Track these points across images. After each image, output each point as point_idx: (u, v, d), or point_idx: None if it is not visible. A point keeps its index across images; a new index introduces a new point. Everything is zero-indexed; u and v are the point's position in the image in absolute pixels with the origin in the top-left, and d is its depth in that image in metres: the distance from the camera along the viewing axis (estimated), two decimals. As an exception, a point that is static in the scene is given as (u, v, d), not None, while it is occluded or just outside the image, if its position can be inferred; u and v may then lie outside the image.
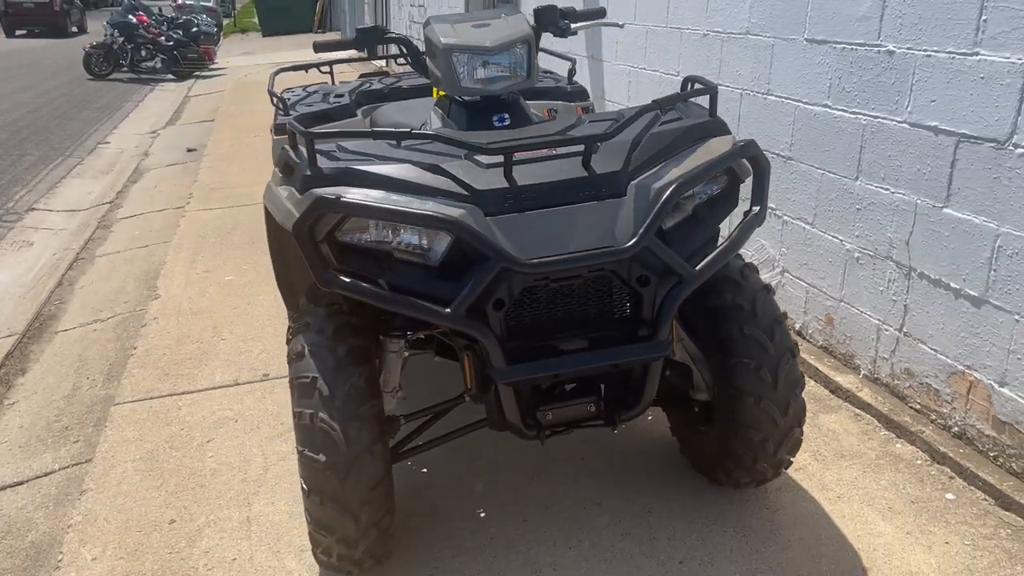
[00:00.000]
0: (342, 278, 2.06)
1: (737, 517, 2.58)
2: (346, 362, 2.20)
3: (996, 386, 2.74)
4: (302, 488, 2.17)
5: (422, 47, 2.65)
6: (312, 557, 2.39)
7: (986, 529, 2.50)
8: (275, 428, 3.27)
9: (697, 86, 2.34)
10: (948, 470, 2.77)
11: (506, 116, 2.50)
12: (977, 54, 2.71)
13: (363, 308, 2.47)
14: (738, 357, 2.37)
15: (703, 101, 2.45)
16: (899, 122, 3.05)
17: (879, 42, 3.11)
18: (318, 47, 2.77)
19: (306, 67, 3.83)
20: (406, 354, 2.48)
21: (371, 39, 2.65)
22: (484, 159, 2.14)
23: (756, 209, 2.26)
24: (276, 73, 3.67)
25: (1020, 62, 2.56)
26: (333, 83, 3.90)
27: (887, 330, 3.20)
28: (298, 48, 20.03)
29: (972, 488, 2.68)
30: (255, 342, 4.06)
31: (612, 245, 2.06)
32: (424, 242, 2.07)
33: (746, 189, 2.26)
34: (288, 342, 2.34)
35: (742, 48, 3.97)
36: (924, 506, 2.61)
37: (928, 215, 2.96)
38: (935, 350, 2.98)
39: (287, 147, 2.34)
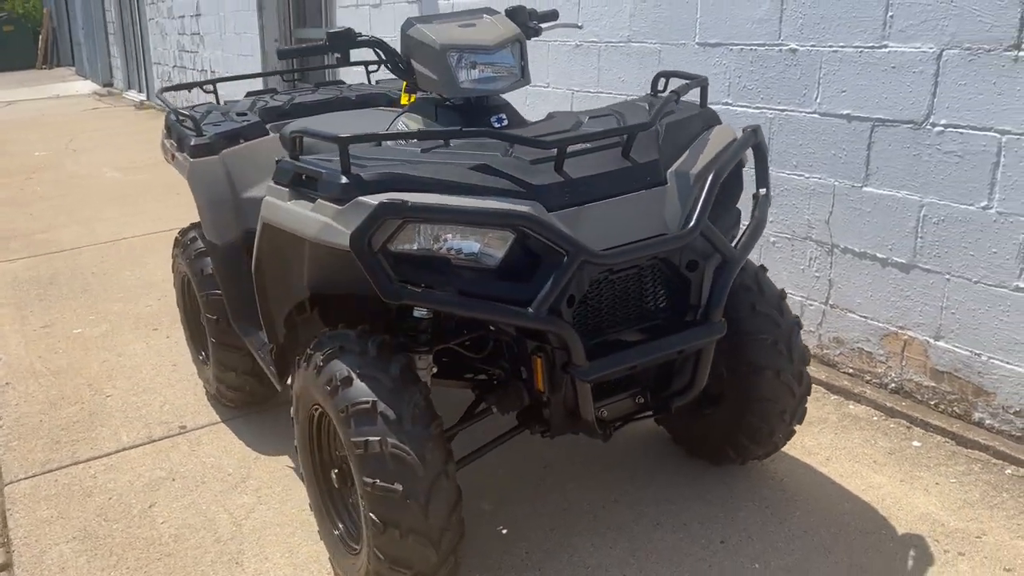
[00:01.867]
0: (412, 288, 1.92)
1: (751, 492, 2.68)
2: (402, 381, 2.05)
3: (932, 341, 3.05)
4: (373, 524, 1.98)
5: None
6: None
7: (960, 467, 2.77)
8: (224, 481, 2.95)
9: (679, 84, 2.39)
10: (903, 422, 3.04)
11: (504, 117, 2.45)
12: (886, 47, 3.02)
13: (387, 326, 2.32)
14: (753, 334, 2.47)
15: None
16: (809, 113, 3.32)
17: (780, 41, 3.38)
18: (283, 54, 2.56)
19: (189, 86, 3.52)
20: (434, 370, 2.35)
21: (343, 43, 2.49)
22: (526, 155, 2.09)
23: (763, 191, 2.38)
24: (163, 91, 3.34)
25: (931, 51, 2.89)
26: (218, 102, 3.62)
27: (812, 304, 3.46)
28: (21, 86, 18.27)
29: (930, 434, 2.97)
30: (150, 395, 3.64)
31: (665, 232, 2.09)
32: (484, 244, 1.98)
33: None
34: (308, 372, 2.13)
35: (624, 56, 4.14)
36: (900, 456, 2.85)
37: (848, 195, 3.24)
38: (865, 317, 3.27)
39: (288, 159, 2.15)
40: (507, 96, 2.56)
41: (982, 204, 2.83)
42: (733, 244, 2.24)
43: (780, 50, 3.38)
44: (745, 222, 2.35)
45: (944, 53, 2.86)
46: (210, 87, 3.59)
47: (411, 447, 1.96)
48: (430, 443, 2.00)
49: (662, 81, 2.62)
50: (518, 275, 1.99)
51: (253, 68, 9.29)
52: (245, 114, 3.35)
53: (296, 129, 2.19)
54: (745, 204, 2.38)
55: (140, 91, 15.71)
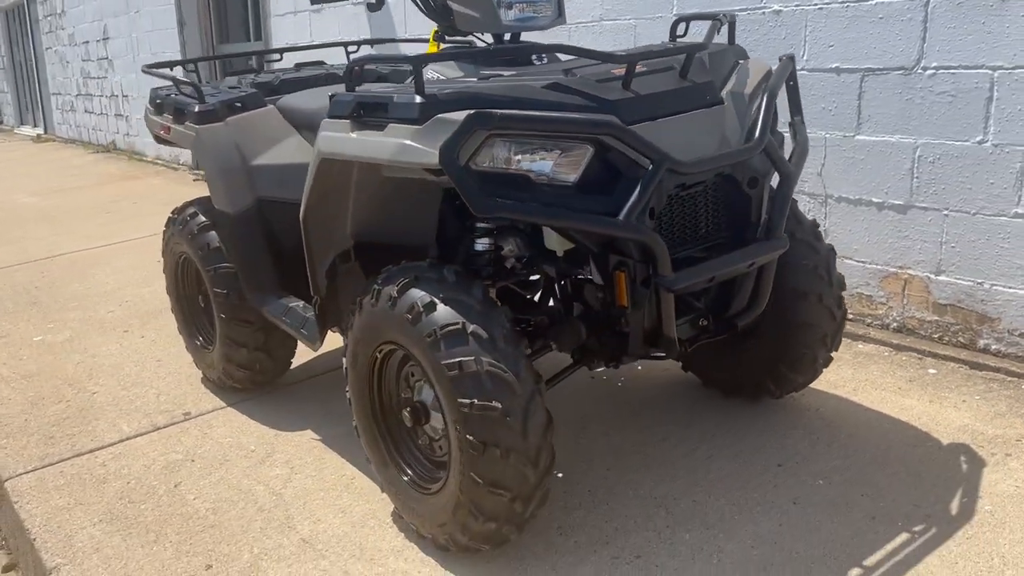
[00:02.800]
0: (503, 201, 1.90)
1: (793, 423, 2.73)
2: (486, 304, 2.02)
3: (933, 276, 3.20)
4: (469, 447, 1.92)
5: None
6: (412, 549, 2.13)
7: (980, 386, 2.90)
8: (249, 458, 2.83)
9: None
10: (913, 354, 3.17)
11: (544, 56, 2.47)
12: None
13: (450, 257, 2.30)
14: (794, 261, 2.53)
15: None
16: (797, 70, 3.45)
17: (763, 5, 3.51)
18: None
19: (172, 64, 3.41)
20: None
21: (378, -13, 2.46)
22: (591, 75, 2.11)
23: (798, 117, 2.45)
24: (151, 67, 3.22)
25: (918, -1, 3.06)
26: (199, 81, 3.51)
27: (808, 256, 3.57)
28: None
29: (942, 362, 3.10)
30: (141, 388, 3.46)
31: (727, 149, 2.14)
32: (555, 164, 1.98)
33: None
34: (377, 308, 2.08)
35: (595, 34, 4.22)
36: (921, 382, 2.96)
37: (840, 145, 3.38)
38: (863, 262, 3.40)
39: (346, 92, 2.11)
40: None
41: (977, 139, 2.99)
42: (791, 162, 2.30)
43: (763, 13, 3.51)
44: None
45: (931, 2, 3.02)
46: (192, 67, 3.49)
47: (507, 365, 1.93)
48: (523, 361, 1.97)
49: (682, 26, 2.68)
50: (596, 190, 1.99)
51: (174, 88, 9.01)
52: (237, 87, 3.27)
53: (359, 59, 2.15)
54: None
55: (35, 126, 15.05)
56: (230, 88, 3.24)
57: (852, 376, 3.01)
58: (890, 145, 3.22)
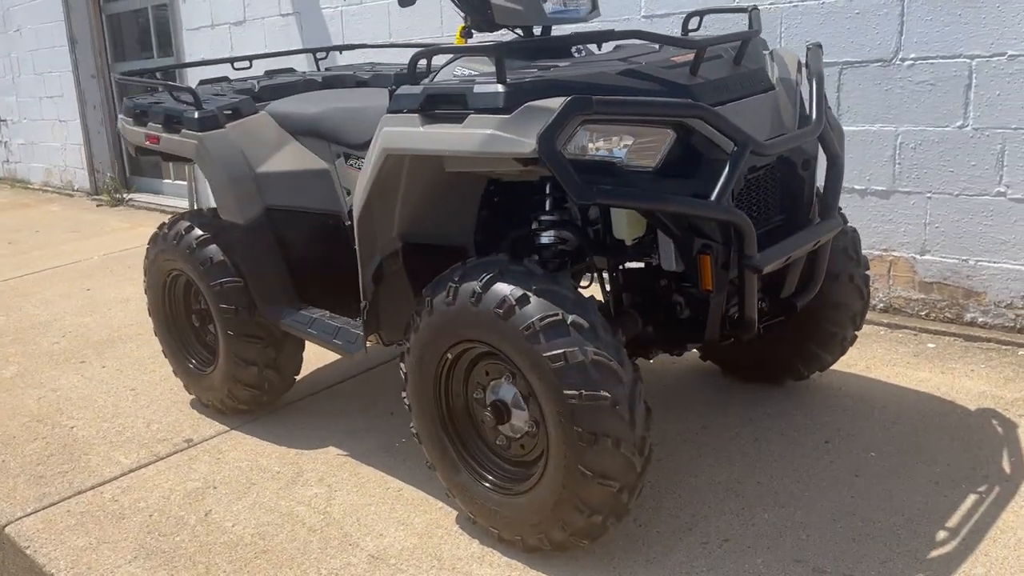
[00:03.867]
0: (602, 187, 1.88)
1: (823, 403, 2.81)
2: (578, 294, 1.99)
3: (918, 256, 3.36)
4: (579, 438, 1.88)
5: None
6: (493, 554, 2.08)
7: (980, 356, 3.07)
8: (276, 479, 2.69)
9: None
10: (908, 332, 3.32)
11: (582, 48, 2.47)
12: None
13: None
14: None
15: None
16: (773, 66, 3.57)
17: (736, 4, 3.62)
18: None
19: (154, 70, 3.23)
20: None
21: (414, -19, 2.40)
22: (659, 62, 2.12)
23: (826, 103, 2.54)
24: (123, 75, 3.04)
25: (892, -6, 3.23)
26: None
27: (792, 245, 3.69)
28: None
29: (936, 336, 3.26)
30: (125, 419, 3.24)
31: (789, 130, 2.19)
32: (631, 149, 1.98)
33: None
34: (456, 306, 2.02)
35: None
36: (925, 356, 3.11)
37: (821, 136, 3.51)
38: (847, 247, 3.53)
39: (407, 88, 2.06)
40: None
41: (958, 124, 3.17)
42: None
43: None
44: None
45: (907, -4, 3.20)
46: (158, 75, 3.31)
47: (610, 354, 1.91)
48: (622, 349, 1.95)
49: (694, 20, 2.73)
50: (675, 174, 2.00)
51: (64, 108, 8.54)
52: (223, 94, 3.12)
53: (423, 51, 2.09)
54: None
55: None
56: (216, 95, 3.09)
57: (859, 355, 3.13)
58: (871, 134, 3.37)
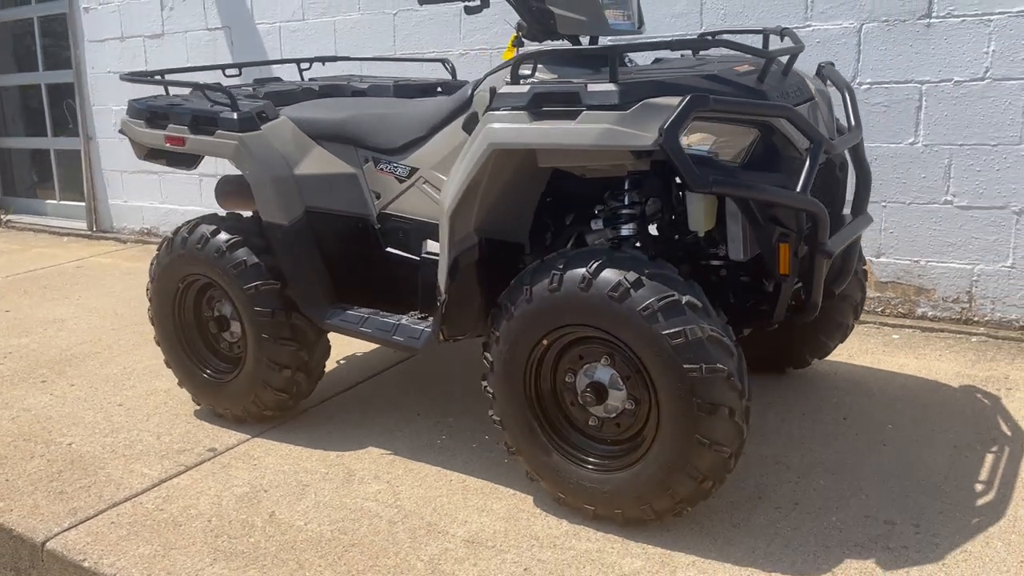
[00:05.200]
0: (720, 177, 2.07)
1: (825, 385, 3.11)
2: (684, 277, 2.16)
3: (874, 259, 3.76)
4: (701, 410, 2.04)
5: None
6: (586, 530, 2.22)
7: (941, 343, 3.46)
8: (330, 480, 2.68)
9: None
10: (871, 325, 3.69)
11: (632, 59, 2.67)
12: (810, 26, 3.72)
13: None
14: (836, 238, 2.91)
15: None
16: (739, 87, 3.91)
17: (702, 30, 3.95)
18: (425, 0, 2.52)
19: (157, 72, 3.16)
20: None
21: (483, -12, 2.52)
22: (726, 69, 2.35)
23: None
24: (126, 76, 2.98)
25: (852, 25, 3.63)
26: (167, 93, 3.28)
27: (756, 251, 4.02)
28: None
29: (897, 329, 3.64)
30: (128, 433, 3.11)
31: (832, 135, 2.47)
32: (713, 145, 2.19)
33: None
34: (565, 291, 2.15)
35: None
36: (895, 345, 3.48)
37: (784, 151, 3.86)
38: (808, 252, 3.90)
39: (517, 85, 2.19)
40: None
41: (910, 141, 3.60)
42: None
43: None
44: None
45: (864, 27, 3.61)
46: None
47: (722, 330, 2.09)
48: (728, 327, 2.13)
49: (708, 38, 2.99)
50: (757, 168, 2.22)
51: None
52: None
53: (528, 54, 2.22)
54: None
55: None
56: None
57: (837, 348, 3.45)
58: (831, 149, 3.74)
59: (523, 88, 2.18)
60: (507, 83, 2.30)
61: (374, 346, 3.78)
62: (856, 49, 3.63)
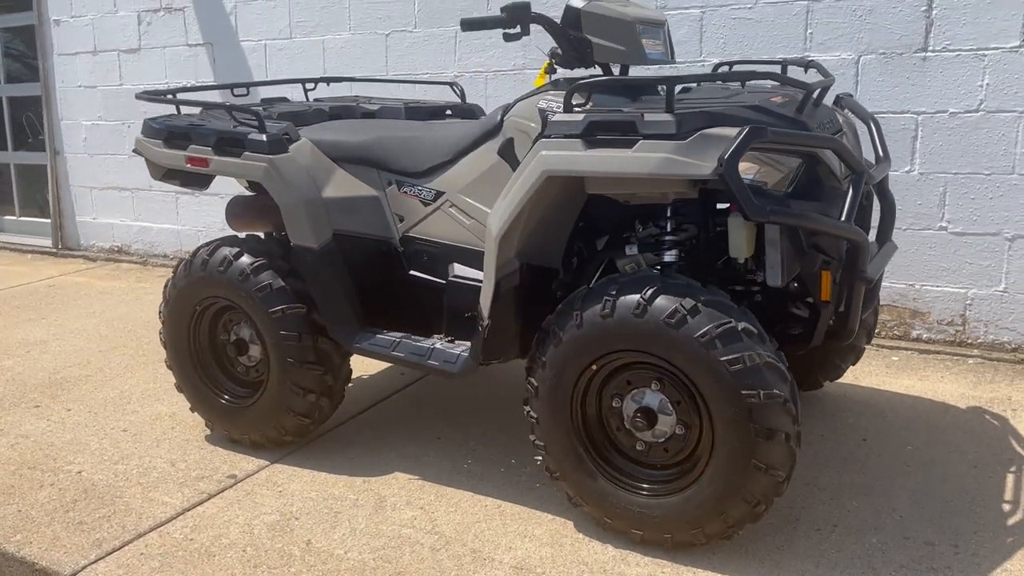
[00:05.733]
0: (775, 207, 2.11)
1: (837, 407, 3.18)
2: (738, 304, 2.20)
3: (870, 283, 3.86)
4: (759, 435, 2.07)
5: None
6: (634, 555, 2.24)
7: (941, 365, 3.57)
8: (361, 506, 2.65)
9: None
10: (869, 348, 3.79)
11: (659, 87, 2.71)
12: (808, 56, 3.83)
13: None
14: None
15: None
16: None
17: (702, 58, 4.03)
18: (467, 24, 2.53)
19: (173, 91, 3.12)
20: None
21: (523, 15, 2.54)
22: (764, 100, 2.41)
23: None
24: (142, 95, 2.94)
25: (850, 57, 3.75)
26: (178, 112, 3.23)
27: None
28: None
29: (895, 351, 3.75)
30: (139, 459, 3.03)
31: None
32: (756, 174, 2.25)
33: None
34: (618, 318, 2.18)
35: (517, 83, 4.49)
36: (896, 367, 3.57)
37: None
38: (805, 276, 3.99)
39: (568, 113, 2.21)
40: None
41: (906, 169, 3.72)
42: None
43: (703, 65, 4.02)
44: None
45: (861, 59, 3.73)
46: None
47: (776, 357, 2.13)
48: (780, 352, 2.18)
49: (723, 68, 3.07)
50: (800, 196, 2.28)
51: None
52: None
53: (584, 83, 2.25)
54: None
55: None
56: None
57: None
58: (829, 176, 3.85)
59: (577, 116, 2.21)
60: (551, 109, 2.34)
61: (380, 369, 3.75)
62: (854, 80, 3.75)
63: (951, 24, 3.55)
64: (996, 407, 3.14)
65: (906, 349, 3.75)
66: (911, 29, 3.62)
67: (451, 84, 3.74)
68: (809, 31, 3.81)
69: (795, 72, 2.97)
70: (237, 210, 3.17)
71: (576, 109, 2.28)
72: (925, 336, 3.80)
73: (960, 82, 3.57)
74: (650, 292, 2.17)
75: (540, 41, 4.12)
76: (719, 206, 2.54)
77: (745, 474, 2.12)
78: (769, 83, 2.68)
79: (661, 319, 2.14)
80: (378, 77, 4.06)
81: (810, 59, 2.84)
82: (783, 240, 2.32)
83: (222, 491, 2.78)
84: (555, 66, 2.72)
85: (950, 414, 3.09)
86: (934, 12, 3.57)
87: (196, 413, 3.14)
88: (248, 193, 3.19)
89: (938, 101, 3.62)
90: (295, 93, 3.89)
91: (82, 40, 6.19)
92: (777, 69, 2.94)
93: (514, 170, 2.60)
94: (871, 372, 3.52)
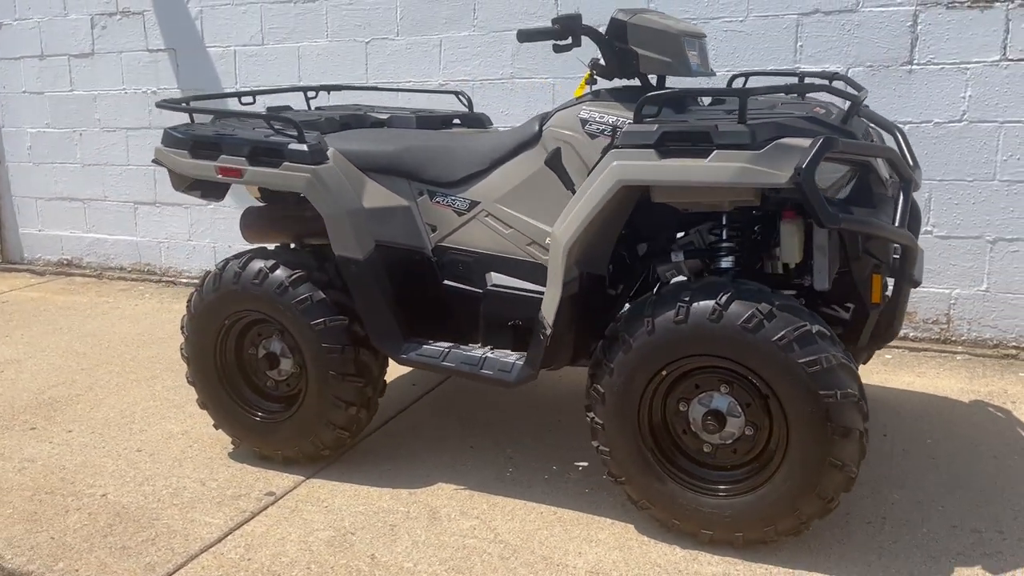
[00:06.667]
0: (846, 214, 2.20)
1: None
2: (808, 308, 2.29)
3: (859, 285, 4.03)
4: (836, 433, 2.15)
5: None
6: (704, 554, 2.31)
7: (933, 363, 3.76)
8: (415, 519, 2.63)
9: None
10: (861, 347, 3.95)
11: (700, 99, 2.80)
12: (799, 67, 3.98)
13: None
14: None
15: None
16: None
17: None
18: (523, 35, 2.55)
19: (184, 100, 3.03)
20: None
21: (575, 27, 2.57)
22: (809, 112, 2.51)
23: None
24: (161, 104, 2.87)
25: (839, 69, 3.92)
26: (192, 120, 3.15)
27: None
28: None
29: (889, 350, 3.92)
30: (165, 480, 2.94)
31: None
32: (839, 177, 2.35)
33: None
34: (692, 323, 2.24)
35: (507, 91, 4.53)
36: (893, 365, 3.74)
37: (773, 185, 4.11)
38: (796, 279, 4.14)
39: (641, 123, 2.27)
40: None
41: (893, 176, 3.90)
42: None
43: (704, 82, 4.13)
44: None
45: (850, 71, 3.90)
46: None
47: (848, 357, 2.22)
48: (849, 353, 2.27)
49: (739, 80, 3.18)
50: (854, 203, 2.39)
51: None
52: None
53: (655, 95, 2.30)
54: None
55: None
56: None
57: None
58: (819, 183, 4.01)
59: (650, 127, 2.26)
60: (592, 120, 2.42)
61: (390, 378, 3.71)
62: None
63: (935, 39, 3.75)
64: (996, 400, 3.33)
65: (897, 347, 3.93)
66: (897, 43, 3.80)
67: (457, 93, 3.75)
68: (799, 43, 3.96)
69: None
70: (252, 221, 3.11)
71: (647, 120, 2.32)
72: (912, 335, 3.99)
73: (944, 94, 3.77)
74: (725, 298, 2.24)
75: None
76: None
77: (820, 471, 2.20)
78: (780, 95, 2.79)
79: (738, 324, 2.20)
80: (382, 86, 4.03)
81: (835, 72, 2.97)
82: (830, 245, 2.42)
83: (264, 509, 2.71)
84: (596, 77, 2.77)
85: (956, 408, 3.26)
86: (919, 27, 3.76)
87: (221, 430, 3.05)
88: (260, 204, 3.13)
89: (923, 112, 3.81)
90: (278, 101, 3.81)
91: (27, 44, 5.92)
92: (795, 80, 3.05)
93: (561, 179, 2.63)
94: (870, 370, 3.68)
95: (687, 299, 2.27)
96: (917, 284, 2.47)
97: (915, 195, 3.56)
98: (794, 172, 2.12)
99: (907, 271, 2.45)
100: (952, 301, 3.91)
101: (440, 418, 3.34)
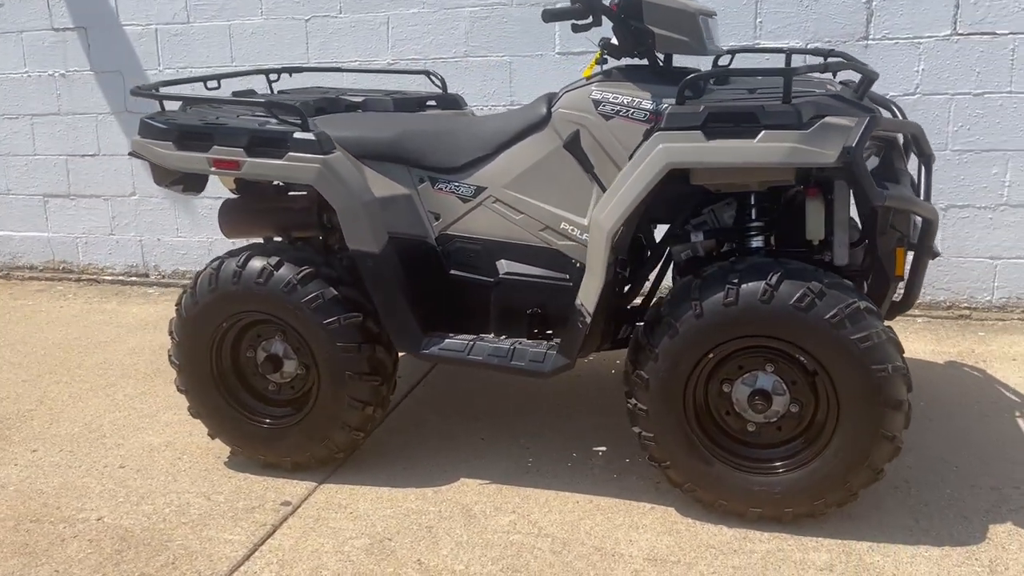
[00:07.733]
0: (886, 191, 2.24)
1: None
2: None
3: (820, 255, 4.16)
4: (887, 405, 2.20)
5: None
6: (755, 533, 2.36)
7: (902, 324, 3.90)
8: (450, 519, 2.55)
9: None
10: (827, 315, 4.08)
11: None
12: (759, 43, 4.05)
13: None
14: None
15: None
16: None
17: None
18: (548, 15, 2.47)
19: (153, 85, 2.81)
20: None
21: (597, 5, 2.51)
22: (825, 88, 2.55)
23: None
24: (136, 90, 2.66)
25: (798, 44, 4.00)
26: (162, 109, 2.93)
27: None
28: None
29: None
30: (166, 496, 2.74)
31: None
32: (870, 153, 2.40)
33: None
34: (743, 306, 2.24)
35: (461, 70, 4.42)
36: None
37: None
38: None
39: (685, 105, 2.24)
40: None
41: (851, 148, 4.02)
42: None
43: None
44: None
45: (808, 46, 3.99)
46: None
47: (892, 331, 2.28)
48: (891, 327, 2.33)
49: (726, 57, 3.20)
50: (881, 178, 2.44)
51: None
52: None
53: (700, 74, 2.26)
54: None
55: None
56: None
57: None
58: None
59: (696, 108, 2.23)
60: (606, 100, 2.46)
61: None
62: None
63: (890, 14, 3.87)
64: (968, 360, 3.51)
65: (859, 314, 4.08)
66: (853, 19, 3.91)
67: (428, 73, 3.62)
68: (759, 20, 4.01)
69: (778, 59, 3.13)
70: (232, 215, 2.92)
71: (690, 101, 2.29)
72: (870, 301, 4.14)
73: (899, 67, 3.91)
74: (775, 278, 2.24)
75: (485, 28, 4.06)
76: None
77: (872, 444, 2.26)
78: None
79: (790, 303, 2.22)
80: (346, 67, 3.83)
81: (832, 48, 3.02)
82: (850, 220, 2.48)
83: (284, 520, 2.57)
84: (606, 57, 2.71)
85: (935, 370, 3.42)
86: (874, 3, 3.88)
87: (218, 440, 2.86)
88: (234, 196, 2.94)
89: (879, 85, 3.91)
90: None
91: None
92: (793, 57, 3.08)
93: (580, 162, 2.58)
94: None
95: (736, 281, 2.27)
96: (936, 255, 2.55)
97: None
98: (842, 151, 2.13)
99: (928, 244, 2.52)
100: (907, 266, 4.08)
101: (440, 412, 3.25)
